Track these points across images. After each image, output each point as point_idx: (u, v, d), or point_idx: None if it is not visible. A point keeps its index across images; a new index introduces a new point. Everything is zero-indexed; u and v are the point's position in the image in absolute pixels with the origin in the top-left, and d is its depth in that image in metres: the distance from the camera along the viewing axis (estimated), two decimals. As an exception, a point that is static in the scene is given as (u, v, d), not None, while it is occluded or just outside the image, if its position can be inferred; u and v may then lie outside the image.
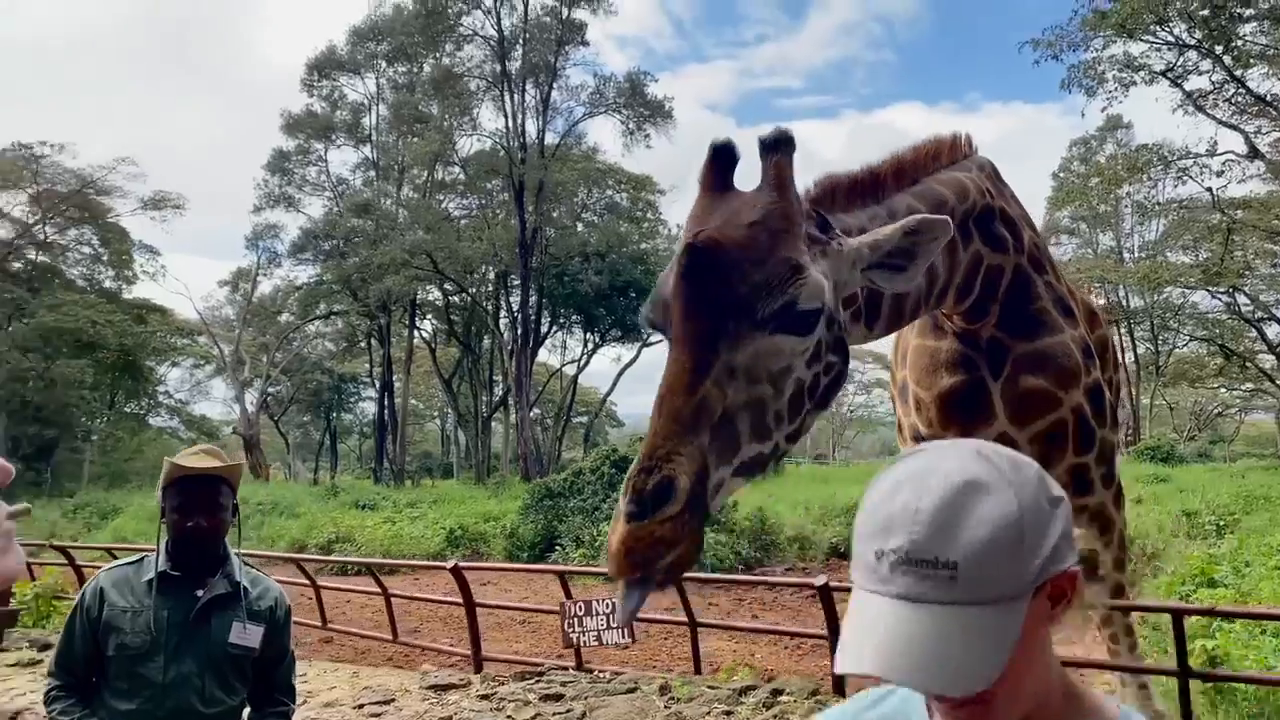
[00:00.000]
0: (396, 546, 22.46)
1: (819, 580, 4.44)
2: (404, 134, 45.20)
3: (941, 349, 3.83)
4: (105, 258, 47.67)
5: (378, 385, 50.46)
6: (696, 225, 2.22)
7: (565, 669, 5.82)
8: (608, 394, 55.19)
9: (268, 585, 3.52)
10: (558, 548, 19.99)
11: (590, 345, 49.84)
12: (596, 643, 5.12)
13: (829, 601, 4.36)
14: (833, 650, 4.70)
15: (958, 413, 3.83)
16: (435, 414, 74.63)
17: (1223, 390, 54.20)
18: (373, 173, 48.68)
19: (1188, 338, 49.51)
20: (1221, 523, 16.89)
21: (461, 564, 5.55)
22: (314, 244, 45.71)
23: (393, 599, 7.31)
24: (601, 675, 5.51)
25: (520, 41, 41.08)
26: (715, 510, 2.06)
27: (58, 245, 46.56)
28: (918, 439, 4.08)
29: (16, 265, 45.25)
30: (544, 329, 46.88)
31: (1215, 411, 61.11)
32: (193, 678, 3.26)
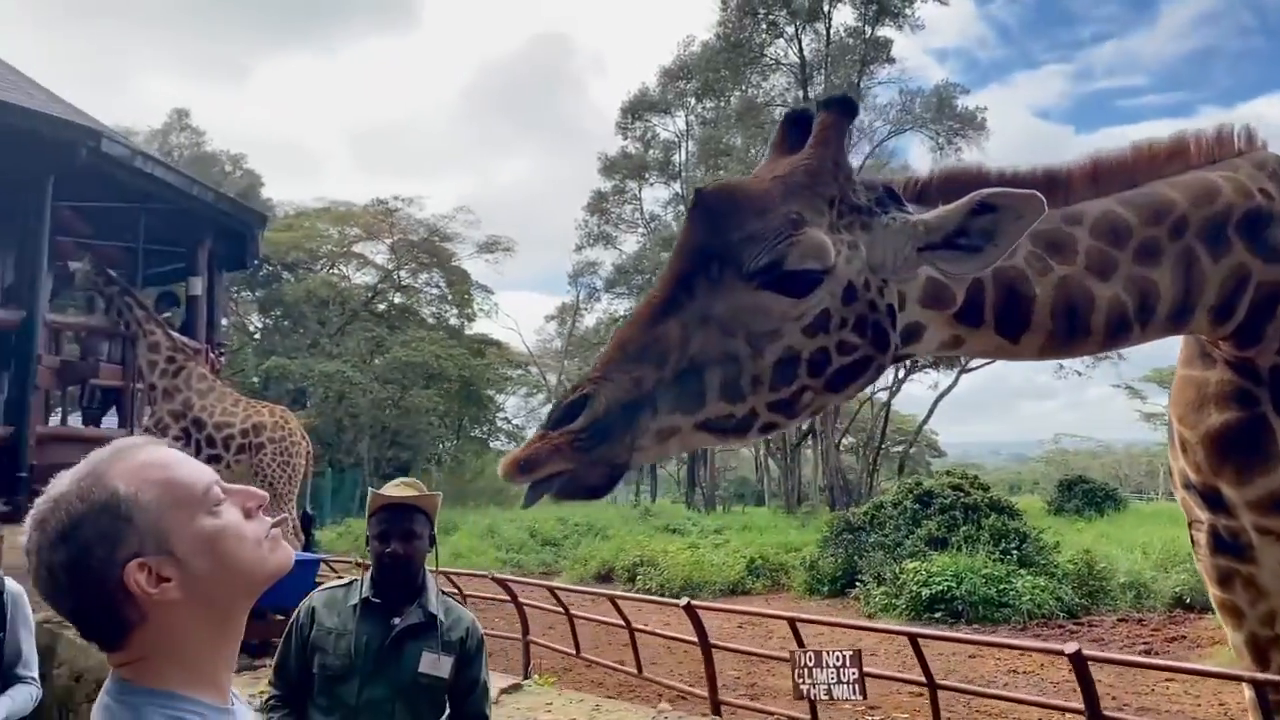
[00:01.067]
0: (698, 573, 22.64)
1: (1070, 648, 3.77)
2: (711, 168, 46.34)
3: (1210, 380, 3.17)
4: (450, 298, 52.76)
5: (690, 413, 51.74)
6: None
7: (796, 720, 5.50)
8: (923, 422, 52.89)
9: (460, 616, 3.58)
10: (858, 583, 19.26)
11: (902, 371, 48.11)
12: (827, 697, 4.72)
13: (1083, 670, 3.69)
14: (1093, 728, 3.99)
15: (1231, 455, 3.14)
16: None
17: None
18: (682, 207, 50.36)
19: None
20: None
21: (695, 603, 5.37)
22: (626, 278, 47.89)
23: (637, 632, 7.28)
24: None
25: (823, 66, 40.88)
26: (667, 454, 1.98)
27: (412, 288, 52.30)
28: (1188, 487, 3.40)
29: (381, 307, 51.26)
30: (852, 357, 45.92)
31: None
32: (384, 703, 3.34)
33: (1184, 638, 15.75)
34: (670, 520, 34.77)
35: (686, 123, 50.13)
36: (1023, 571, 17.85)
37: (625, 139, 51.86)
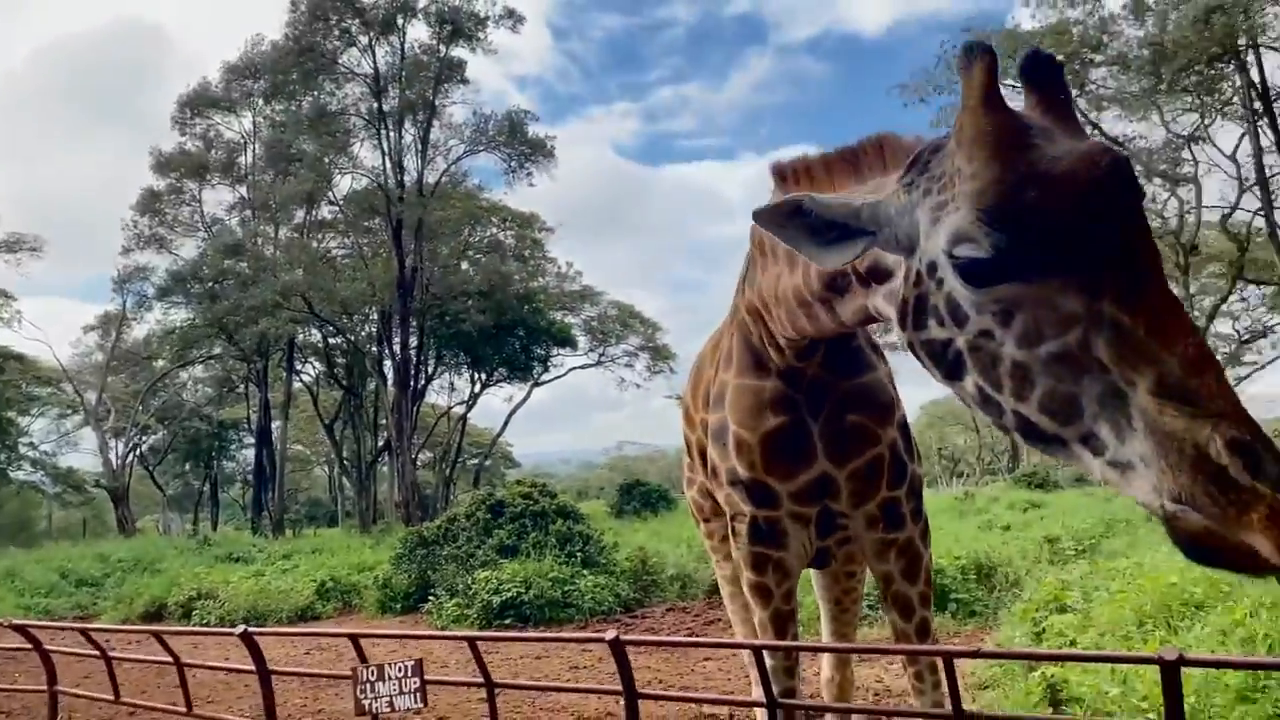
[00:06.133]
0: (263, 601, 21.37)
1: (609, 634, 4.21)
2: (281, 173, 44.07)
3: (766, 388, 3.76)
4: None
5: (255, 431, 48.67)
6: (1047, 141, 1.95)
7: (361, 738, 5.49)
8: (498, 435, 54.41)
9: None
10: (431, 597, 19.34)
11: (478, 385, 49.15)
12: (390, 709, 4.77)
13: (621, 656, 4.15)
14: (627, 704, 4.47)
15: (781, 454, 3.76)
16: (323, 460, 72.45)
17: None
18: (249, 212, 47.28)
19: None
20: (1081, 547, 17.33)
21: (252, 629, 5.15)
22: (182, 286, 44.01)
23: (186, 667, 6.82)
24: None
25: (398, 79, 40.64)
26: None
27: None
28: (734, 483, 3.94)
29: None
30: (429, 370, 46.03)
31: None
32: None
33: (719, 620, 17.72)
34: (233, 548, 32.46)
35: (254, 124, 47.29)
36: (586, 572, 18.98)
37: (184, 135, 47.74)
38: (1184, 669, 3.62)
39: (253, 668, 5.27)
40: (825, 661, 5.36)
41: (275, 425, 47.00)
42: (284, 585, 22.89)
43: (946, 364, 2.09)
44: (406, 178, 41.56)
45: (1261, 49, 30.80)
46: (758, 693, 4.38)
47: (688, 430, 4.83)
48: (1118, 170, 1.87)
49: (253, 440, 50.71)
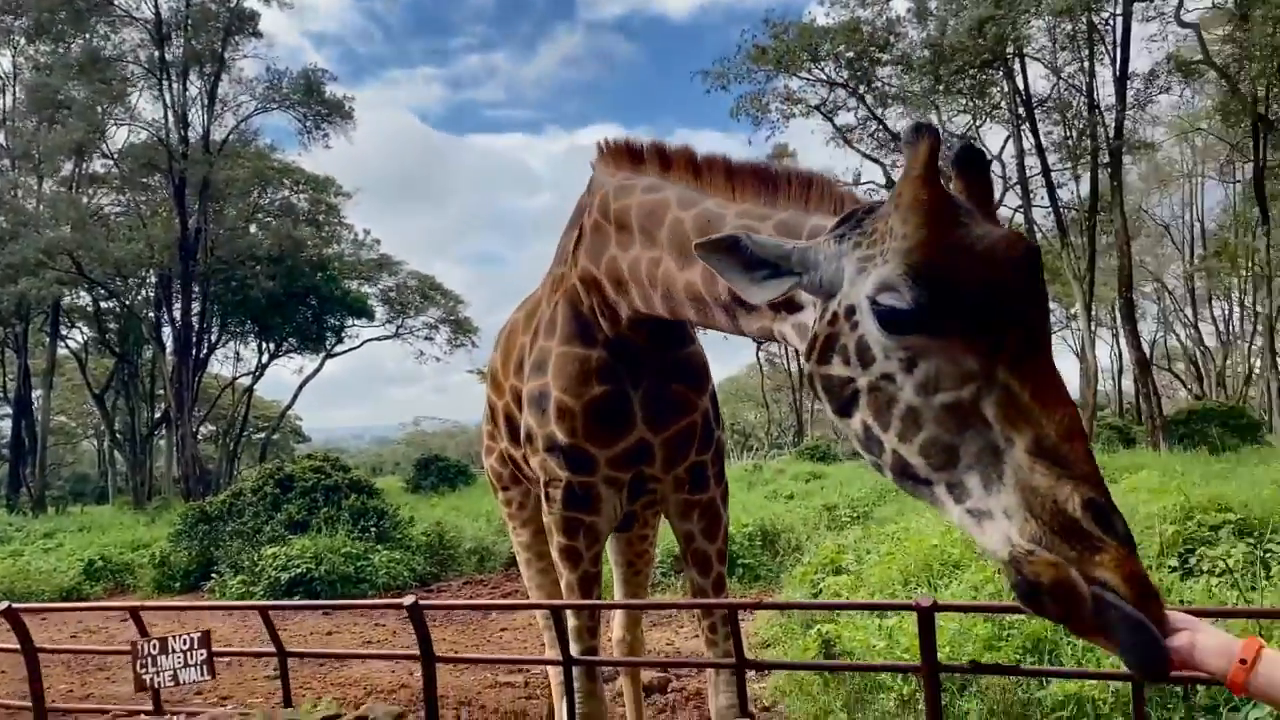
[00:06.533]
0: (22, 583, 19.72)
1: (408, 600, 4.24)
2: (46, 120, 40.26)
3: (592, 357, 3.86)
4: None
5: (12, 401, 44.56)
6: (979, 223, 2.17)
7: (139, 714, 5.23)
8: (287, 407, 52.17)
9: None
10: (214, 575, 18.48)
11: (265, 356, 46.90)
12: (173, 683, 4.59)
13: (419, 620, 4.19)
14: (425, 669, 4.51)
15: (603, 421, 3.90)
16: (91, 433, 67.26)
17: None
18: (7, 162, 43.00)
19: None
20: (856, 514, 18.59)
21: (17, 605, 4.82)
22: (-75, 240, 39.62)
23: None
24: (176, 716, 5.02)
25: (183, 27, 37.97)
26: None
27: None
28: (552, 449, 4.02)
29: None
30: (213, 338, 43.50)
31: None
32: None
33: (517, 592, 17.86)
34: (-14, 527, 29.73)
35: (14, 64, 42.94)
36: (380, 547, 18.65)
37: (-72, 72, 42.78)
38: (939, 621, 4.05)
39: (15, 647, 4.92)
40: (616, 622, 5.57)
41: (36, 395, 43.23)
42: (46, 565, 21.28)
43: (841, 400, 2.27)
44: (191, 133, 38.95)
45: (1026, 58, 33.64)
46: (553, 654, 4.52)
47: (494, 397, 4.88)
48: (1029, 256, 2.13)
49: (9, 411, 46.40)
